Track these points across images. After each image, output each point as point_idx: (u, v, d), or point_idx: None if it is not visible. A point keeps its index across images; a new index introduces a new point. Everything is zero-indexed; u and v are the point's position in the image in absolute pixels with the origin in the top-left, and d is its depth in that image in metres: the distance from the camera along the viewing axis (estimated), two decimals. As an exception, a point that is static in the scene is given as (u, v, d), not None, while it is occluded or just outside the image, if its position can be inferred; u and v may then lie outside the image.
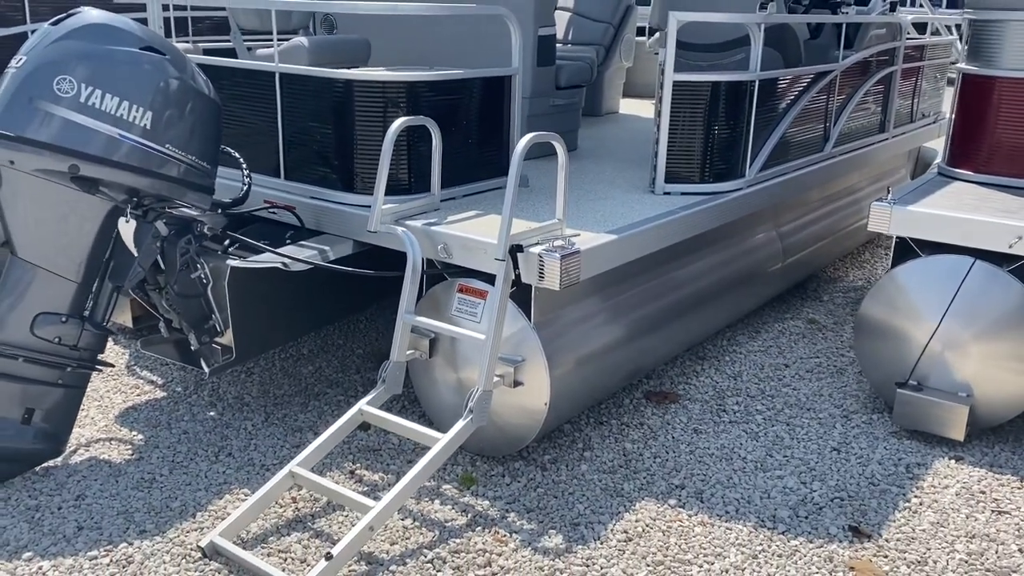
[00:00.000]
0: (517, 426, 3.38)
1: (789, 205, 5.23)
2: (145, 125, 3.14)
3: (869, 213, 3.91)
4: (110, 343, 4.52)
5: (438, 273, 3.52)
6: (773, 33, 5.02)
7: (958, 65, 4.55)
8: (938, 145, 6.88)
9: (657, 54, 4.19)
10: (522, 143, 3.11)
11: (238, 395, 4.03)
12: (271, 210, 3.86)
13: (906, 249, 3.91)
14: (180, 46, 5.08)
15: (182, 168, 3.27)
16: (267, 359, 4.42)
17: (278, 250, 3.50)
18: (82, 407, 3.84)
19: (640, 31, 8.10)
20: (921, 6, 8.21)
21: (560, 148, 3.24)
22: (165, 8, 5.64)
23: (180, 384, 4.12)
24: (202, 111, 3.33)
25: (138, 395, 4.01)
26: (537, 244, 3.20)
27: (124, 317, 4.17)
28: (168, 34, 5.60)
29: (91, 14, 3.17)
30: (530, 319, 3.29)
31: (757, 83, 4.22)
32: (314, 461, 3.15)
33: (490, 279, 3.30)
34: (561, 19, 6.98)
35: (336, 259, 3.66)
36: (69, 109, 3.01)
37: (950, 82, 5.87)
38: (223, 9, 6.05)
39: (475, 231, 3.39)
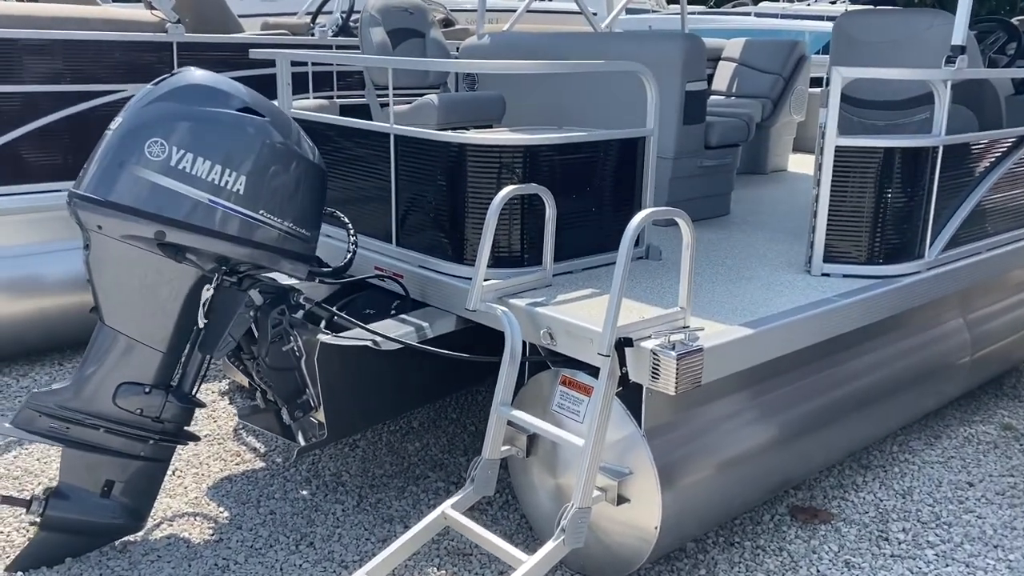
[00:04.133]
0: (624, 546, 2.89)
1: (981, 289, 4.43)
2: (238, 190, 2.96)
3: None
4: (223, 403, 4.42)
5: (542, 360, 3.12)
6: (967, 89, 4.31)
7: None
8: None
9: None
10: (636, 220, 2.67)
11: (336, 472, 3.77)
12: (381, 278, 3.63)
13: None
14: (317, 102, 5.04)
15: (277, 235, 3.06)
16: (374, 431, 4.15)
17: (371, 326, 3.22)
18: (180, 474, 3.71)
19: (816, 81, 7.44)
20: None
21: (685, 225, 2.77)
22: (304, 64, 5.64)
23: (281, 454, 3.92)
24: (303, 176, 3.13)
25: (237, 464, 3.83)
26: (650, 338, 2.73)
27: (239, 376, 4.04)
28: (305, 89, 5.59)
29: (193, 74, 3.04)
30: (640, 425, 2.81)
31: (941, 149, 3.55)
32: (387, 570, 2.81)
33: (598, 372, 2.85)
34: (726, 70, 6.47)
35: (436, 336, 3.34)
36: (158, 173, 2.87)
37: None
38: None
39: (583, 315, 2.96)
